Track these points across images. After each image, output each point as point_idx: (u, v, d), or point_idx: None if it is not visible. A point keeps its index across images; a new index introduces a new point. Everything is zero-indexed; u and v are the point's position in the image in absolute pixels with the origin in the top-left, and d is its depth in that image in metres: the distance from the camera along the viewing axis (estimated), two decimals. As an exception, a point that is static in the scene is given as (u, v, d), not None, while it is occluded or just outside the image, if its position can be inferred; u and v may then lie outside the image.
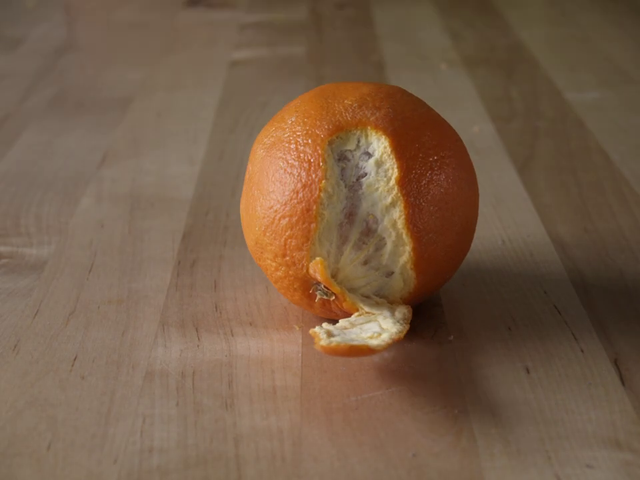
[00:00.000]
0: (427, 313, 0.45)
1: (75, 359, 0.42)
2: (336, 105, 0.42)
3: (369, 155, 0.41)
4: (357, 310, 0.41)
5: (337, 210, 0.40)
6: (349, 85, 0.44)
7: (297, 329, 0.44)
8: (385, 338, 0.38)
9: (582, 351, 0.42)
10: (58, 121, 0.74)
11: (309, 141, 0.41)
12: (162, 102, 0.79)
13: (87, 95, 0.81)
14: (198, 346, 0.43)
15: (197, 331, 0.44)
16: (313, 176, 0.40)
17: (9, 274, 0.50)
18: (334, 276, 0.41)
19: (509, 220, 0.54)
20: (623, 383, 0.40)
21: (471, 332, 0.44)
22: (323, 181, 0.40)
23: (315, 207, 0.40)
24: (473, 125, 0.70)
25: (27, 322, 0.45)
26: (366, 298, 0.41)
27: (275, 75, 0.86)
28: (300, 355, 0.42)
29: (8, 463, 0.36)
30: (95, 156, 0.67)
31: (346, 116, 0.41)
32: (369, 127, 0.41)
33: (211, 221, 0.56)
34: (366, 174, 0.40)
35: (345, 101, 0.42)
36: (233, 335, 0.44)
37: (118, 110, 0.76)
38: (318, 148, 0.41)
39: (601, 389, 0.39)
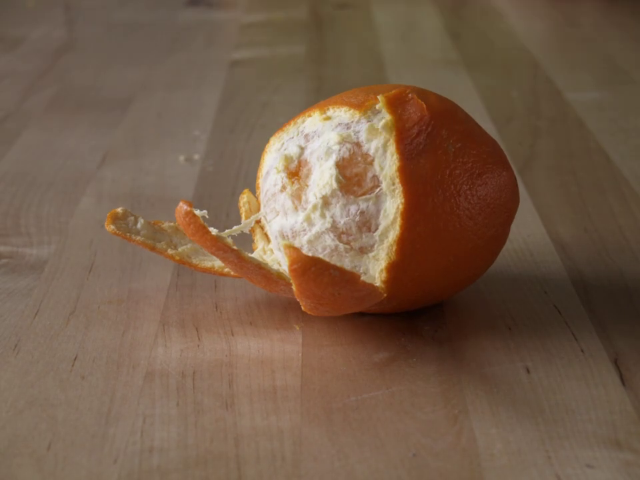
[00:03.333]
0: (427, 313, 0.45)
1: (75, 359, 0.42)
2: (349, 94, 0.44)
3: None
4: (231, 247, 0.43)
5: (267, 164, 0.45)
6: (387, 86, 0.44)
7: (297, 328, 0.44)
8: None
9: (582, 351, 0.42)
10: (58, 121, 0.74)
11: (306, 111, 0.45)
12: (162, 102, 0.79)
13: (87, 95, 0.81)
14: (198, 346, 0.43)
15: (197, 331, 0.44)
16: (279, 133, 0.45)
17: (9, 274, 0.50)
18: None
19: (509, 220, 0.54)
20: (623, 383, 0.40)
21: (471, 332, 0.44)
22: (272, 137, 0.45)
23: (263, 154, 0.46)
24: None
25: (26, 322, 0.45)
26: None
27: (275, 74, 0.86)
28: (300, 354, 0.42)
29: (8, 463, 0.36)
30: (95, 156, 0.67)
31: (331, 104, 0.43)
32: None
33: (211, 221, 0.56)
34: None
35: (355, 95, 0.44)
36: (233, 335, 0.44)
37: (118, 110, 0.76)
38: (300, 118, 0.45)
39: (601, 389, 0.39)
